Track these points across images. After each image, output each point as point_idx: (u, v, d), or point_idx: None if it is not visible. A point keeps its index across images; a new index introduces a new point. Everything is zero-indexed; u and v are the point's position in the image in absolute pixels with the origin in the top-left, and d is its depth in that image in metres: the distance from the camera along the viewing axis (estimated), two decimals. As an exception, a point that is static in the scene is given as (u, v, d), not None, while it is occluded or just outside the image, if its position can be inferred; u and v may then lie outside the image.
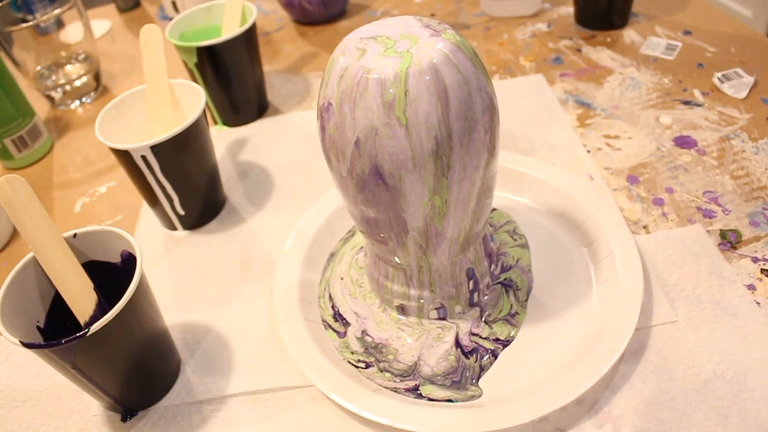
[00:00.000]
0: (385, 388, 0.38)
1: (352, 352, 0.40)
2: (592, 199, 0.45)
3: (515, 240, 0.45)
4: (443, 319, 0.41)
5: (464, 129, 0.31)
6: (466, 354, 0.39)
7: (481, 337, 0.40)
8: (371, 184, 0.33)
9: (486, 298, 0.41)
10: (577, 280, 0.42)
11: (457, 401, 0.37)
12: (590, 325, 0.39)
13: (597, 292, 0.41)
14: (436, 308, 0.40)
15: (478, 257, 0.40)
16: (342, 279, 0.45)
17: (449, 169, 0.32)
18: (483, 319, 0.41)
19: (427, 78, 0.30)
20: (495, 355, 0.39)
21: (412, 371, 0.38)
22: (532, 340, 0.39)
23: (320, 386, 0.36)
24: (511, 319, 0.40)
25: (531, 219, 0.47)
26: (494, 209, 0.48)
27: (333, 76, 0.32)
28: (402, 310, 0.41)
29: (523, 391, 0.36)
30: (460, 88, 0.31)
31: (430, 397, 0.37)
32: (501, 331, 0.40)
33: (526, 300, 0.42)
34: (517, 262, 0.44)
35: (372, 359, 0.40)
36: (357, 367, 0.39)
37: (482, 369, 0.38)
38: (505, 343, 0.39)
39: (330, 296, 0.44)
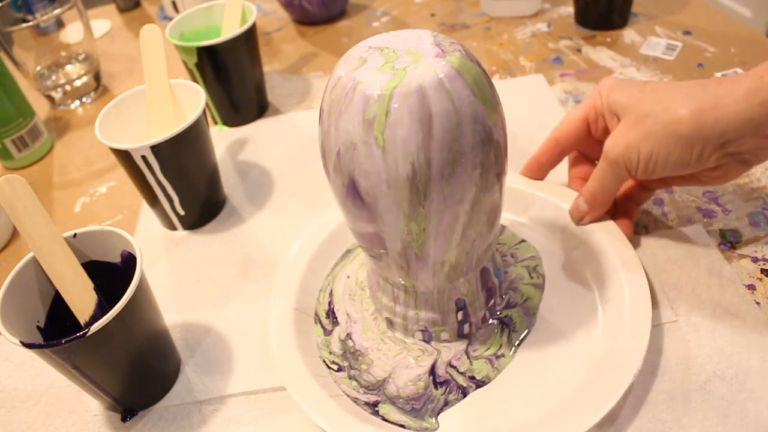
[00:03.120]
0: (347, 395, 0.37)
1: (330, 353, 0.40)
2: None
3: (532, 278, 0.42)
4: (427, 342, 0.40)
5: (446, 160, 0.29)
6: (437, 384, 0.37)
7: (458, 371, 0.38)
8: (351, 197, 0.32)
9: (479, 332, 0.39)
10: (583, 309, 0.40)
11: (410, 429, 0.35)
12: (586, 371, 0.36)
13: (602, 325, 0.38)
14: (421, 330, 0.39)
15: (471, 290, 0.38)
16: (348, 277, 0.45)
17: (426, 198, 0.30)
18: (467, 352, 0.39)
19: (412, 101, 0.28)
20: (464, 394, 0.37)
21: (377, 387, 0.38)
22: (510, 388, 0.37)
23: (282, 379, 0.37)
24: (495, 360, 0.38)
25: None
26: (522, 240, 0.45)
27: (330, 83, 0.31)
28: (390, 323, 0.41)
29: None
30: (449, 117, 0.29)
31: (386, 417, 0.36)
32: (480, 370, 0.38)
33: (518, 345, 0.39)
34: (525, 301, 0.41)
35: (346, 364, 0.39)
36: (329, 368, 0.39)
37: (446, 404, 0.36)
38: (480, 384, 0.37)
39: (331, 292, 0.44)
